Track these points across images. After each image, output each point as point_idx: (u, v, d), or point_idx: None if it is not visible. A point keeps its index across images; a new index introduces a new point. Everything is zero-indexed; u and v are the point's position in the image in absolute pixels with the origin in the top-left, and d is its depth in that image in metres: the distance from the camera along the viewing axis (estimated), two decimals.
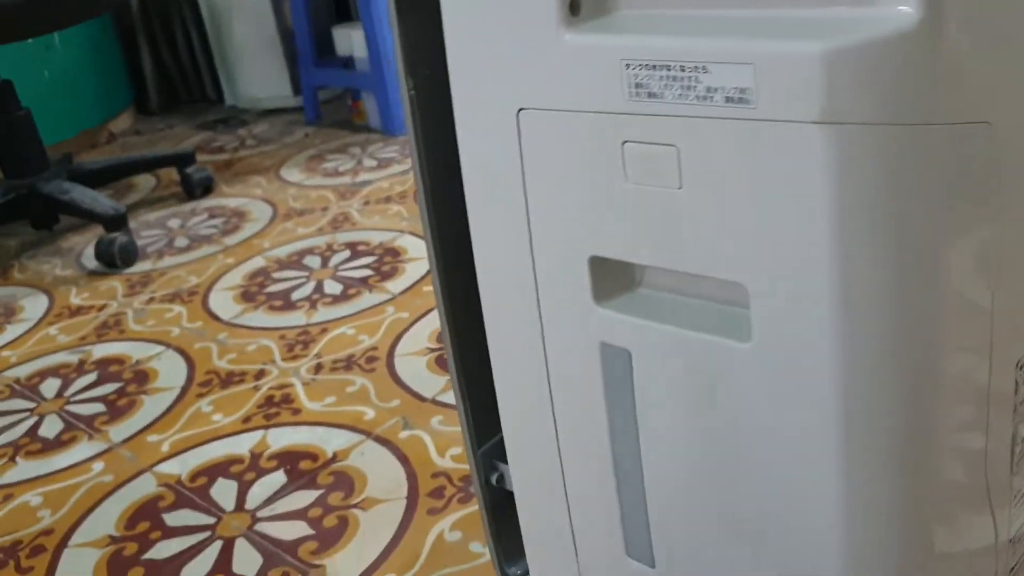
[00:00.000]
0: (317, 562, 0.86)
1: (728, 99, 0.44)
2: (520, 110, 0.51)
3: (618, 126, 0.48)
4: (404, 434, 1.02)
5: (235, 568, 0.87)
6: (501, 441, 0.69)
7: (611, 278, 0.54)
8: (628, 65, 0.46)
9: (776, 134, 0.43)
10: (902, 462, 0.48)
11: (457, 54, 0.53)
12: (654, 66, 0.45)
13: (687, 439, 0.53)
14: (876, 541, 0.50)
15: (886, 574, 0.50)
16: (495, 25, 0.50)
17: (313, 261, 1.51)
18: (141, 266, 1.59)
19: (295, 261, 1.52)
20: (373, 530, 0.89)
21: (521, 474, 0.67)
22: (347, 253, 1.52)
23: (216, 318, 1.36)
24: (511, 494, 0.69)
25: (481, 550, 0.84)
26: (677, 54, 0.45)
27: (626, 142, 0.48)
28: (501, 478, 0.71)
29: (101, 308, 1.45)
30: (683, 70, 0.45)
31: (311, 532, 0.90)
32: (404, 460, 0.98)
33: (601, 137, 0.49)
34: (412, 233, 1.57)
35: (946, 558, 0.51)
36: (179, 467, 1.03)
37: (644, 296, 0.54)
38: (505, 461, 0.69)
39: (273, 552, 0.88)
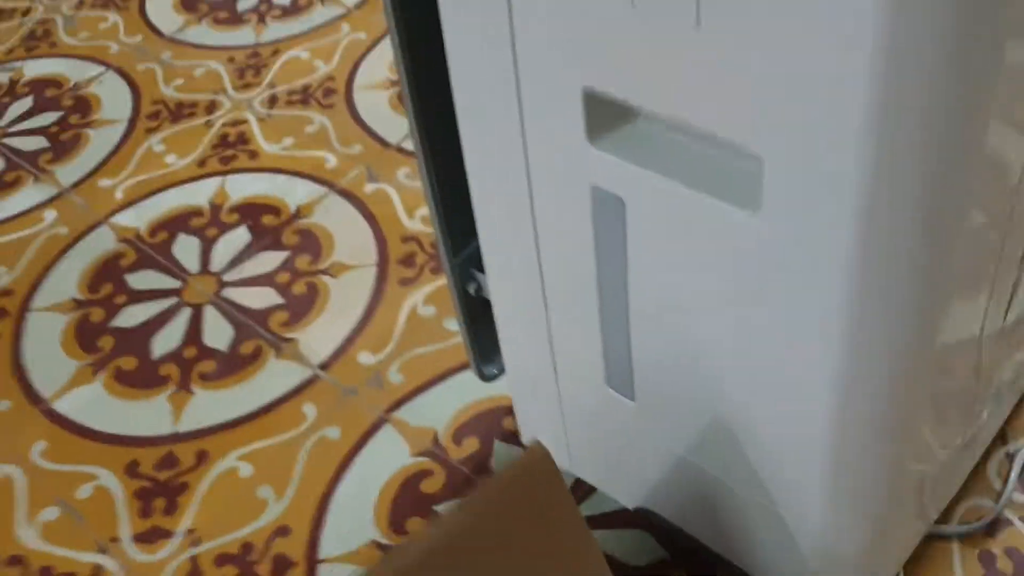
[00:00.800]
0: (289, 335, 0.86)
1: None
2: None
3: None
4: (369, 187, 0.98)
5: (205, 340, 0.86)
6: (478, 249, 0.66)
7: (607, 115, 0.48)
8: None
9: None
10: (904, 365, 0.47)
11: None
12: None
13: (678, 293, 0.50)
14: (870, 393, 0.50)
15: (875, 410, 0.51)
16: None
17: None
18: None
19: None
20: (343, 300, 0.88)
21: (501, 294, 0.65)
22: None
23: (157, 32, 1.24)
24: (488, 301, 0.68)
25: (455, 329, 0.84)
26: None
27: None
28: (479, 288, 0.69)
29: (26, 12, 1.32)
30: None
31: (280, 301, 0.89)
32: (371, 219, 0.95)
33: None
34: None
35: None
36: (136, 219, 0.99)
37: (643, 136, 0.48)
38: (482, 271, 0.67)
39: (243, 322, 0.87)
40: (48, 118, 1.13)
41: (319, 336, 0.85)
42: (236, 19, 1.25)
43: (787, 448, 0.52)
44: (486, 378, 0.73)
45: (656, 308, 0.52)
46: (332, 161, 1.02)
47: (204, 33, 1.23)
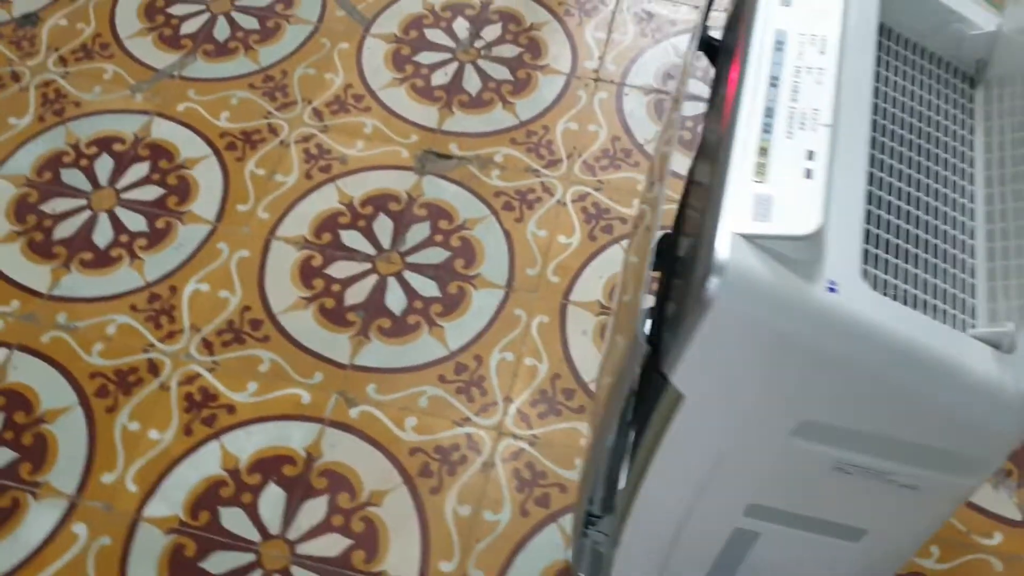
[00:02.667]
0: (376, 568, 1.11)
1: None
2: None
3: None
4: (354, 412, 1.21)
5: None
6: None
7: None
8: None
9: None
10: None
11: None
12: None
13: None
14: None
15: None
16: None
17: None
18: None
19: None
20: (399, 523, 1.13)
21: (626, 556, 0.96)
22: None
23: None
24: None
25: (494, 519, 1.14)
26: None
27: None
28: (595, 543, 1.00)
29: None
30: None
31: (350, 542, 1.12)
32: (375, 444, 1.19)
33: None
34: None
35: None
36: None
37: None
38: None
39: (330, 571, 1.10)
40: None
41: (400, 560, 1.11)
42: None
43: None
44: None
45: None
46: (306, 397, 1.22)
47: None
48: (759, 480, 0.77)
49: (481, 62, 1.53)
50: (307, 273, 1.30)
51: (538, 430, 1.19)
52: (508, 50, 1.54)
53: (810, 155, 0.63)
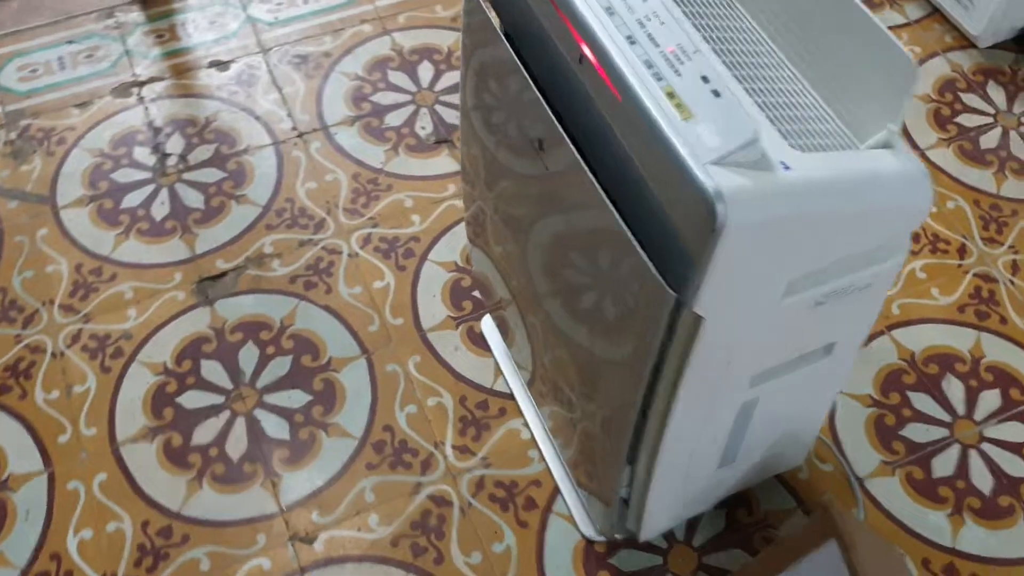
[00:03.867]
0: None
1: None
2: None
3: None
4: (318, 546, 1.16)
5: None
6: None
7: None
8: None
9: None
10: None
11: None
12: None
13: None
14: None
15: None
16: None
17: None
18: None
19: None
20: None
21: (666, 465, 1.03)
22: None
23: None
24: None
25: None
26: None
27: None
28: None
29: None
30: None
31: None
32: (361, 559, 1.15)
33: None
34: None
35: None
36: None
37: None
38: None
39: None
40: None
41: None
42: None
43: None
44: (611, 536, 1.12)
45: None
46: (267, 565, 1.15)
47: None
48: (760, 351, 0.87)
49: (185, 177, 1.47)
50: (173, 457, 1.21)
51: (482, 452, 1.22)
52: (205, 150, 1.49)
53: (705, 79, 0.72)
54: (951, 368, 1.30)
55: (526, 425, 1.24)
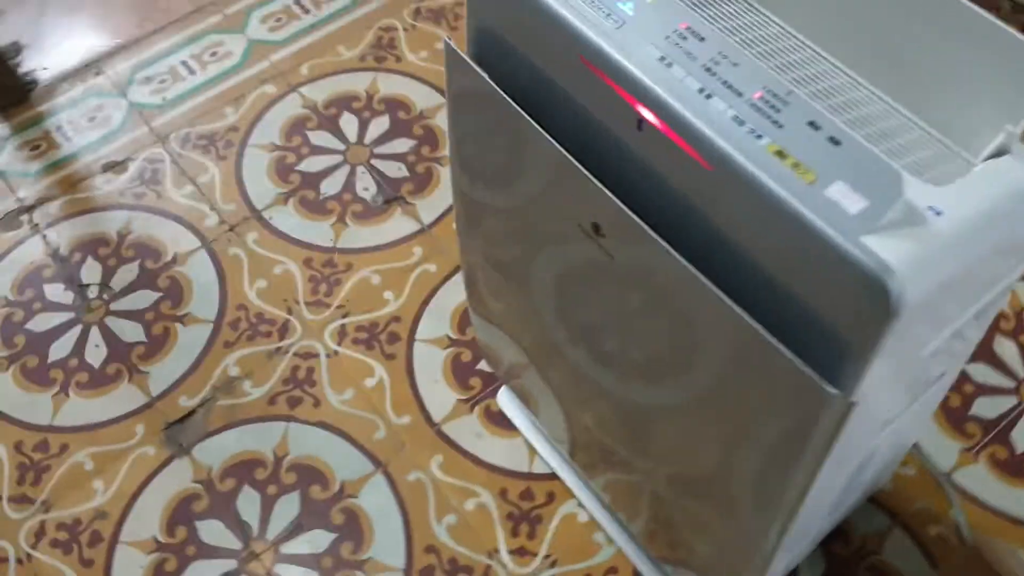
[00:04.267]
0: None
1: None
2: None
3: None
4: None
5: None
6: None
7: None
8: None
9: None
10: None
11: None
12: None
13: None
14: None
15: None
16: None
17: None
18: None
19: None
20: None
21: None
22: None
23: None
24: None
25: None
26: None
27: None
28: None
29: None
30: None
31: None
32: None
33: None
34: None
35: None
36: None
37: None
38: None
39: None
40: None
41: None
42: None
43: None
44: None
45: None
46: None
47: None
48: (893, 402, 0.75)
49: (113, 308, 1.26)
50: None
51: (543, 550, 1.07)
52: (128, 271, 1.29)
53: (814, 125, 0.58)
54: (997, 328, 1.21)
55: (581, 506, 1.10)
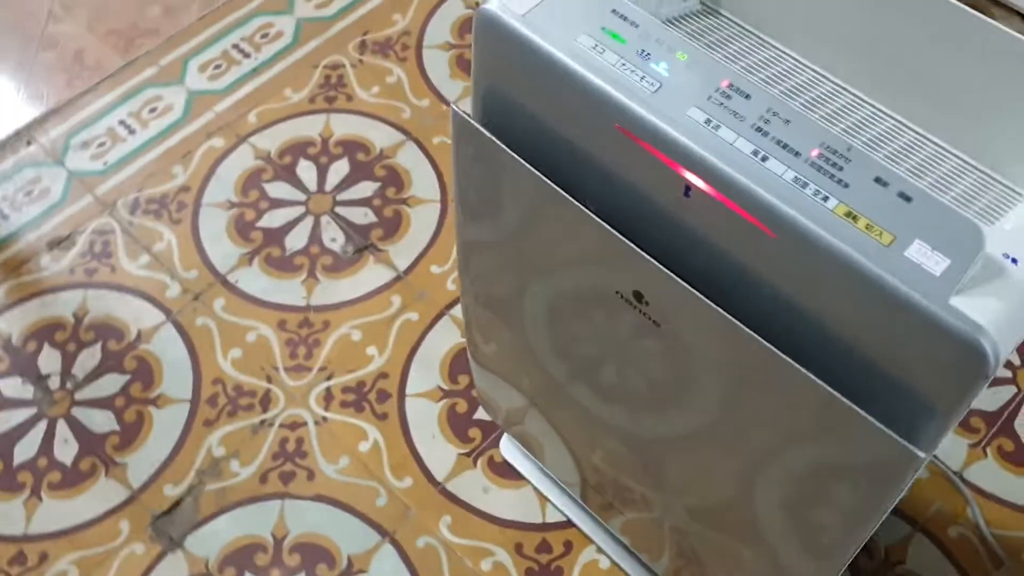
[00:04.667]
0: None
1: None
2: None
3: None
4: None
5: None
6: None
7: None
8: None
9: None
10: None
11: None
12: None
13: None
14: None
15: None
16: None
17: None
18: None
19: None
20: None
21: None
22: None
23: None
24: None
25: None
26: None
27: None
28: None
29: None
30: None
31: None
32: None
33: None
34: None
35: None
36: None
37: None
38: None
39: None
40: None
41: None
42: None
43: None
44: None
45: None
46: None
47: None
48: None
49: (79, 398, 1.18)
50: None
51: None
52: (90, 356, 1.21)
53: (881, 181, 0.56)
54: None
55: (601, 551, 1.07)
